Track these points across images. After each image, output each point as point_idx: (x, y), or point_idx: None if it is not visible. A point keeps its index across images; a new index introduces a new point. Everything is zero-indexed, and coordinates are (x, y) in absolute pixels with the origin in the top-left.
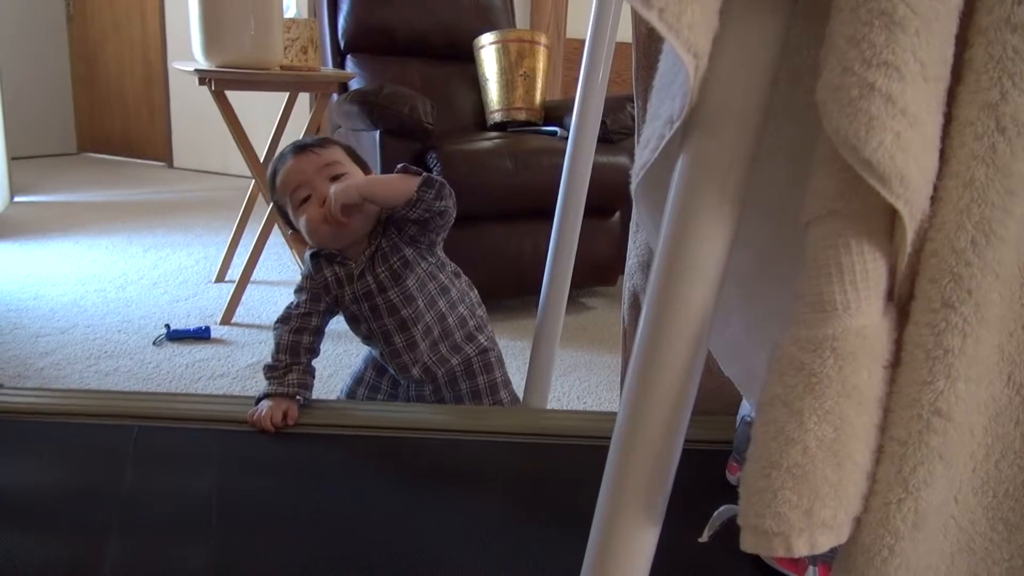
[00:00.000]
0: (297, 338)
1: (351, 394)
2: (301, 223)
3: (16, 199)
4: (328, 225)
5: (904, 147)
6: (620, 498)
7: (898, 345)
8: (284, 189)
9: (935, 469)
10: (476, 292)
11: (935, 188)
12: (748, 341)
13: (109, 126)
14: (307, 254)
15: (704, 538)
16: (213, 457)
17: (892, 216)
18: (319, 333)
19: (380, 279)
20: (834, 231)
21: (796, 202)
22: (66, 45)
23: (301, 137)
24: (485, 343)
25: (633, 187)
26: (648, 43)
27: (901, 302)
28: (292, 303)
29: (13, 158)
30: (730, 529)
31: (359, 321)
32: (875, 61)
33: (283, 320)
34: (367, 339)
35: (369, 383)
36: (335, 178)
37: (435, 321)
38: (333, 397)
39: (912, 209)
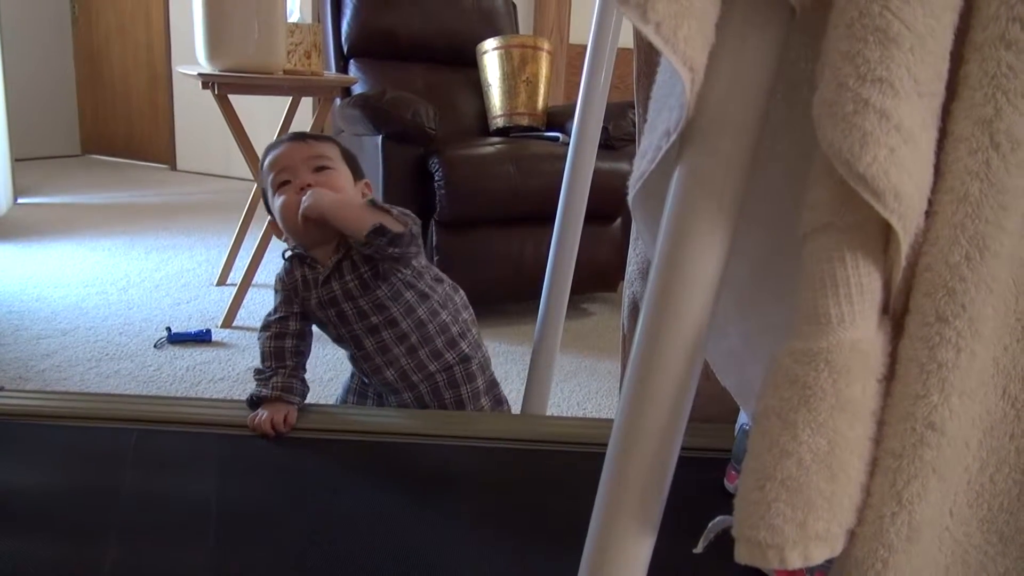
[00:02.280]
0: (279, 344)
1: None
2: (275, 206)
3: (19, 201)
4: (291, 209)
5: (898, 162)
6: (616, 506)
7: (892, 359)
8: (269, 170)
9: (929, 482)
10: (462, 295)
11: (929, 203)
12: (745, 352)
13: (113, 128)
14: (283, 254)
15: (699, 549)
16: (213, 461)
17: (887, 230)
18: (302, 336)
19: (348, 287)
20: (830, 244)
21: (792, 214)
22: (71, 47)
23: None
24: (467, 350)
25: (630, 197)
26: (649, 50)
27: (896, 316)
28: (271, 307)
29: (17, 159)
30: (725, 540)
31: (326, 325)
32: (870, 77)
33: (264, 328)
34: (338, 342)
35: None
36: (319, 169)
37: (412, 328)
38: (332, 402)
39: (906, 224)
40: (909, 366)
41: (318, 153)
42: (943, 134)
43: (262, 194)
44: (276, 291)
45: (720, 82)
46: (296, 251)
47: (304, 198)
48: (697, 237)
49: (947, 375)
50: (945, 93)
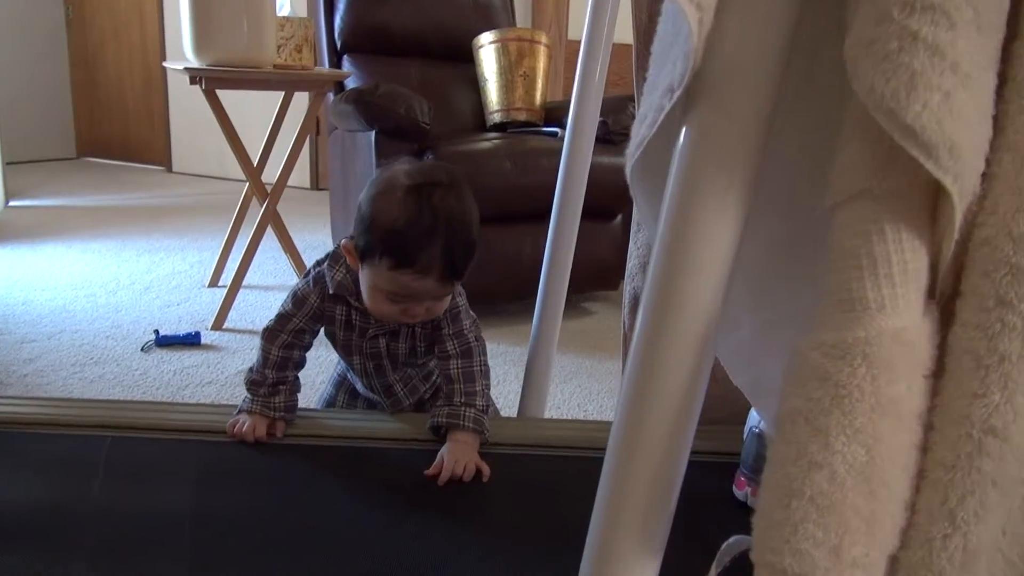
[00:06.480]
0: (287, 354)
1: None
2: (369, 289)
3: (11, 203)
4: (386, 318)
5: (954, 110)
6: (614, 526)
7: (942, 351)
8: (396, 279)
9: (988, 498)
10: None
11: (986, 163)
12: (760, 346)
13: (108, 130)
14: (328, 286)
15: (712, 575)
16: (189, 470)
17: (935, 196)
18: (309, 348)
19: (396, 351)
20: (865, 215)
21: (812, 189)
22: (65, 49)
23: (435, 220)
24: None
25: (628, 169)
26: (649, 31)
27: (944, 299)
28: (286, 310)
29: (8, 163)
30: (742, 564)
31: (350, 359)
32: (919, 5)
33: (273, 333)
34: (357, 372)
35: (342, 407)
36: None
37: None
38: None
39: (962, 186)
40: (963, 359)
41: (448, 295)
42: (1002, 79)
43: (354, 240)
44: (302, 299)
45: (733, 23)
46: (344, 294)
47: (462, 470)
48: (706, 212)
49: (1010, 370)
50: (1006, 29)
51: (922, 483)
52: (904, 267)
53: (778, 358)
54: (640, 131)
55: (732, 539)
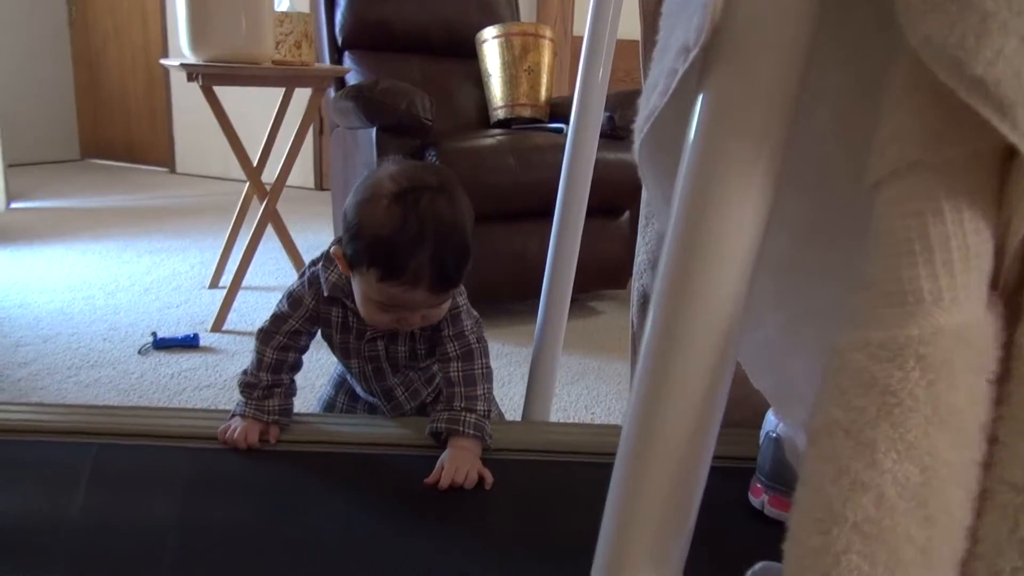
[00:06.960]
0: (282, 356)
1: None
2: (361, 298)
3: (12, 205)
4: (381, 326)
5: None
6: (626, 541)
7: (1008, 352)
8: (387, 291)
9: None
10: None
11: None
12: (785, 345)
13: (111, 132)
14: (323, 288)
15: None
16: (179, 478)
17: (1004, 166)
18: (305, 350)
19: (395, 354)
20: (919, 192)
21: (849, 163)
22: (68, 51)
23: (424, 225)
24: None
25: (637, 146)
26: (656, 17)
27: (1009, 290)
28: (281, 311)
29: (11, 165)
30: None
31: (348, 362)
32: None
33: (268, 335)
34: (354, 375)
35: (342, 409)
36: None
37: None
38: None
39: None
40: None
41: (442, 309)
42: None
43: (344, 248)
44: (297, 300)
45: None
46: (339, 295)
47: (463, 478)
48: (727, 192)
49: None
50: None
51: (986, 507)
52: (966, 252)
53: (805, 358)
54: (650, 101)
55: (758, 566)
